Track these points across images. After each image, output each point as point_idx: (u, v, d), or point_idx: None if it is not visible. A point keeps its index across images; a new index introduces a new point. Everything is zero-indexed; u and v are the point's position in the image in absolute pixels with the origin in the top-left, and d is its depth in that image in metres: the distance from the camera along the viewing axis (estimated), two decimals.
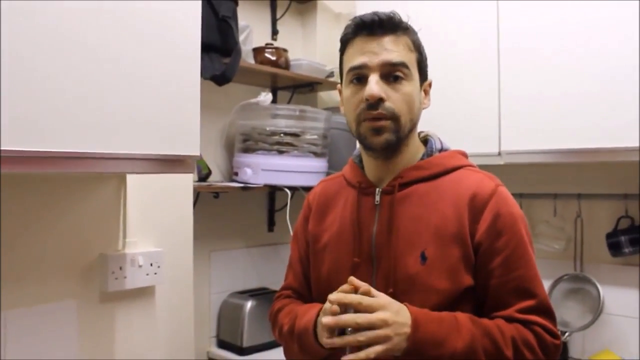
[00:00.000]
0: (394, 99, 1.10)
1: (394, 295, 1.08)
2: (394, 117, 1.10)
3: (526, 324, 1.06)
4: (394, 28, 1.12)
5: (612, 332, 1.96)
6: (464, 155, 1.23)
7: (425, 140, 1.23)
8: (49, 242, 1.31)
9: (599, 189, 2.01)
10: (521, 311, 1.07)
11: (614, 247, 1.92)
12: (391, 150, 1.14)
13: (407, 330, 0.99)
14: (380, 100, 1.09)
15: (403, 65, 1.11)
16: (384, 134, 1.10)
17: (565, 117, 1.73)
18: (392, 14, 1.13)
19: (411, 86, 1.13)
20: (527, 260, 1.10)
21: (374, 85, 1.08)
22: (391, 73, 1.10)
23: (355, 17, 1.15)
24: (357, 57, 1.12)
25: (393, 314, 0.99)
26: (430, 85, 1.22)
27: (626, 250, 1.89)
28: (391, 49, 1.10)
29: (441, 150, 1.21)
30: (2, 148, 0.87)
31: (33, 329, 1.27)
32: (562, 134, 1.74)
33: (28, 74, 0.91)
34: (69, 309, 1.34)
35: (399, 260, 1.10)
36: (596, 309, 1.94)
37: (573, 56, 1.73)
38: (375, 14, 1.11)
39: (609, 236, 1.94)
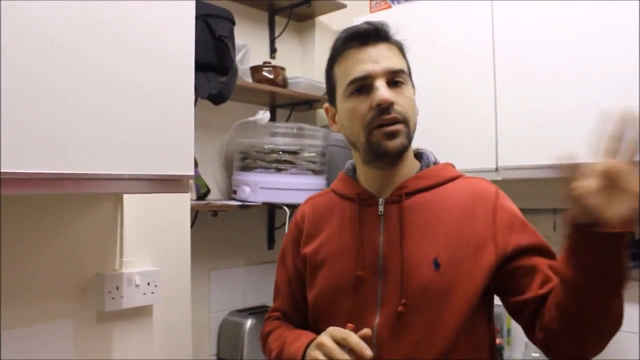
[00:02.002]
0: (401, 102, 1.10)
1: (407, 306, 1.06)
2: (406, 120, 1.10)
3: None
4: (387, 37, 1.13)
5: (613, 347, 1.93)
6: (454, 167, 1.23)
7: (417, 155, 1.23)
8: (46, 262, 1.31)
9: None
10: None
11: None
12: (401, 155, 1.13)
13: None
14: (391, 105, 1.08)
15: (403, 71, 1.12)
16: (399, 137, 1.09)
17: (561, 132, 1.74)
18: (381, 24, 1.13)
19: (410, 91, 1.14)
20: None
21: (385, 90, 1.08)
22: (392, 79, 1.11)
23: (345, 30, 1.14)
24: (357, 67, 1.11)
25: None
26: (414, 93, 1.21)
27: None
28: (389, 56, 1.11)
29: (435, 162, 1.21)
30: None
31: (29, 349, 1.26)
32: (559, 148, 1.73)
33: (24, 97, 0.91)
34: (66, 329, 1.33)
35: (412, 269, 1.08)
36: None
37: (569, 71, 1.74)
38: (368, 23, 1.12)
39: None
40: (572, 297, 0.96)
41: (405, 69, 1.14)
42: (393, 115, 1.08)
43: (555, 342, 1.03)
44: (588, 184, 0.86)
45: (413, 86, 1.18)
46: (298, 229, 1.28)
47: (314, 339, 1.08)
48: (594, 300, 0.95)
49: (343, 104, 1.15)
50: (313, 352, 1.04)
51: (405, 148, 1.12)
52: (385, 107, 1.08)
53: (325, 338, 1.02)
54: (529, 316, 1.08)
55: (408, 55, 1.18)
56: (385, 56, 1.10)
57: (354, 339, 0.99)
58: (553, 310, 1.01)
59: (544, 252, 1.09)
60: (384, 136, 1.09)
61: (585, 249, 0.91)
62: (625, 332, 1.91)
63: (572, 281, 0.95)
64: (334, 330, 1.03)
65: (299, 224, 1.29)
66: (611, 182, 0.85)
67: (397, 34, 1.16)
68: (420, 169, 1.18)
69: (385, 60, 1.10)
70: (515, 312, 1.11)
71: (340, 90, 1.15)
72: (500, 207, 1.11)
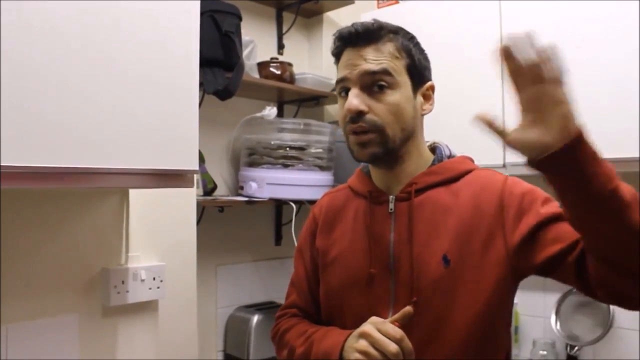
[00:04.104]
0: (378, 110, 1.07)
1: (417, 304, 1.05)
2: (378, 130, 1.08)
3: None
4: (375, 37, 1.09)
5: (623, 346, 1.93)
6: (472, 160, 1.21)
7: (432, 149, 1.21)
8: (52, 256, 1.32)
9: None
10: None
11: None
12: (383, 162, 1.13)
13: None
14: (361, 113, 1.07)
15: (385, 72, 1.07)
16: (369, 147, 1.09)
17: None
18: (371, 23, 1.10)
19: (397, 94, 1.09)
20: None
21: (353, 98, 1.07)
22: (374, 83, 1.08)
23: (336, 32, 1.14)
24: (341, 70, 1.12)
25: None
26: (432, 88, 1.17)
27: None
28: (371, 59, 1.08)
29: (450, 156, 1.19)
30: (3, 164, 0.88)
31: (35, 342, 1.27)
32: None
33: (28, 90, 0.92)
34: (71, 323, 1.34)
35: (422, 267, 1.07)
36: (606, 322, 1.91)
37: (575, 66, 1.71)
38: (353, 25, 1.10)
39: None
40: (589, 234, 0.89)
41: (395, 69, 1.09)
42: (360, 124, 1.07)
43: (613, 286, 0.92)
44: (516, 126, 0.84)
45: (421, 82, 1.14)
46: (315, 222, 1.28)
47: (350, 333, 1.05)
48: (607, 220, 0.85)
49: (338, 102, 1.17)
50: (356, 342, 1.00)
51: (377, 157, 1.10)
52: (354, 116, 1.07)
53: (370, 328, 0.99)
54: (576, 279, 0.98)
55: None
56: (367, 59, 1.08)
57: (407, 344, 0.96)
58: (590, 262, 0.93)
59: (558, 219, 1.01)
60: (356, 145, 1.10)
61: (560, 180, 0.85)
62: (636, 331, 1.90)
63: (574, 217, 0.89)
64: (382, 324, 0.99)
65: (316, 217, 1.29)
66: (535, 106, 0.83)
67: (394, 29, 1.12)
68: (432, 164, 1.17)
69: (364, 63, 1.08)
70: (568, 281, 1.02)
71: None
72: (508, 195, 1.07)
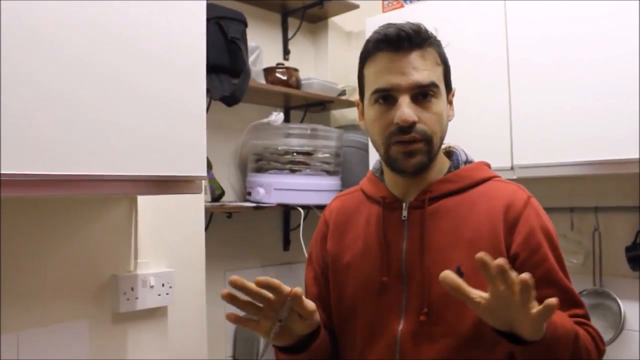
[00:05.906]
0: (425, 119, 1.05)
1: (428, 315, 1.04)
2: (427, 139, 1.06)
3: (581, 325, 1.02)
4: (421, 43, 1.06)
5: (635, 348, 1.91)
6: (489, 166, 1.18)
7: (448, 153, 1.19)
8: (61, 264, 1.33)
9: (616, 201, 1.97)
10: (573, 316, 1.03)
11: (634, 261, 1.88)
12: (419, 171, 1.10)
13: None
14: (413, 124, 1.04)
15: (433, 85, 1.06)
16: (417, 156, 1.06)
17: (577, 130, 1.71)
18: (418, 27, 1.06)
19: (441, 103, 1.08)
20: (566, 271, 1.07)
21: (406, 109, 1.03)
22: (421, 92, 1.05)
23: (377, 31, 1.08)
24: (383, 76, 1.06)
25: None
26: (453, 94, 1.16)
27: None
28: (420, 68, 1.05)
29: (466, 162, 1.17)
30: (12, 172, 0.89)
31: (46, 348, 1.28)
32: (575, 146, 1.72)
33: (35, 97, 0.92)
34: (82, 329, 1.35)
35: (434, 277, 1.03)
36: (618, 324, 1.89)
37: (583, 69, 1.72)
38: (400, 28, 1.05)
39: (628, 250, 1.90)
40: None
41: (438, 78, 1.08)
42: (412, 135, 1.04)
43: None
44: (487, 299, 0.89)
45: (450, 89, 1.14)
46: (326, 225, 1.26)
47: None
48: None
49: (368, 108, 1.12)
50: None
51: (423, 166, 1.08)
52: (405, 127, 1.04)
53: None
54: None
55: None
56: (416, 67, 1.04)
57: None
58: None
59: (551, 283, 1.04)
60: (402, 154, 1.07)
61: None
62: (636, 332, 1.88)
63: None
64: None
65: (327, 220, 1.27)
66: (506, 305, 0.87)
67: (434, 37, 1.09)
68: (449, 171, 1.15)
69: (414, 72, 1.04)
70: None
71: (367, 93, 1.11)
72: (524, 219, 1.05)
